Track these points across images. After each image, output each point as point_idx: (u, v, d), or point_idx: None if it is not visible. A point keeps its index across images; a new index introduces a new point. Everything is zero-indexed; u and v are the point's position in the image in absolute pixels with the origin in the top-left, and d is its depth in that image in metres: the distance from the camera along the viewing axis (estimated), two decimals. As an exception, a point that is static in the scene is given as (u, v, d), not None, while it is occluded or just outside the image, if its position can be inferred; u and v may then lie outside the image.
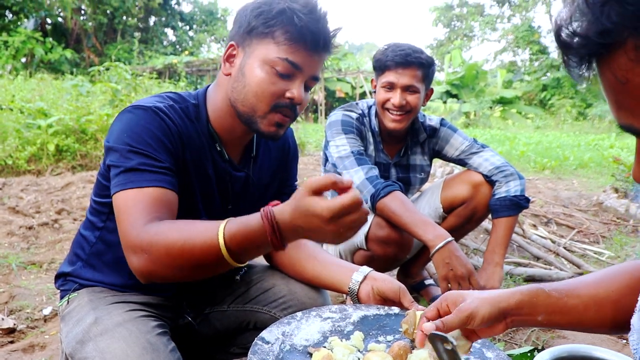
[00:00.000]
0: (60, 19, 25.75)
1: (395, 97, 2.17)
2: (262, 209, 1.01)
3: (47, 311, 2.39)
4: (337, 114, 2.30)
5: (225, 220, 1.05)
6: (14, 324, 2.23)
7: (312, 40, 1.23)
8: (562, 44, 0.59)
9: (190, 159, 1.30)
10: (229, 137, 1.38)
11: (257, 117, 1.27)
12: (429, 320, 1.02)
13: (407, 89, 2.17)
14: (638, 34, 0.50)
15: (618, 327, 1.05)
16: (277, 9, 1.21)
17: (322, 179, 0.95)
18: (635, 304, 1.00)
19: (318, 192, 0.95)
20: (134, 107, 1.24)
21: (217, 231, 1.02)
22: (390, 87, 2.18)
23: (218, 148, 1.37)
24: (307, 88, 1.30)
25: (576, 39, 0.56)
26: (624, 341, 2.16)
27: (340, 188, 0.95)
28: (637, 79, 0.53)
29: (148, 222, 1.09)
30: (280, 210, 0.99)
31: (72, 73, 15.46)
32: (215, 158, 1.36)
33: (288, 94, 1.25)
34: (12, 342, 2.13)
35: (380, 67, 2.22)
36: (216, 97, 1.35)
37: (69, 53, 22.48)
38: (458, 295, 1.01)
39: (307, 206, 0.94)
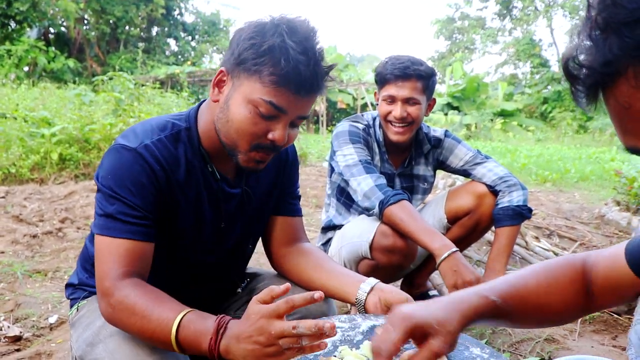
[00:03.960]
0: (63, 29, 25.89)
1: (397, 110, 2.20)
2: (216, 320, 1.07)
3: (53, 319, 2.40)
4: (344, 125, 2.33)
5: (183, 313, 1.10)
6: (20, 332, 2.24)
7: (299, 84, 1.17)
8: (570, 76, 0.64)
9: (179, 190, 1.30)
10: (220, 155, 1.35)
11: (237, 152, 1.26)
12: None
13: (408, 101, 2.20)
14: (636, 63, 0.56)
15: (551, 324, 1.11)
16: (268, 44, 1.15)
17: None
18: (570, 308, 1.02)
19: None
20: (122, 147, 1.24)
21: (173, 323, 1.08)
22: (391, 100, 2.22)
23: (210, 169, 1.36)
24: (294, 125, 1.28)
25: (583, 70, 0.61)
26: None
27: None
28: (638, 104, 0.58)
29: (120, 275, 1.17)
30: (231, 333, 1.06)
31: (74, 82, 15.50)
32: (207, 179, 1.36)
33: (270, 136, 1.22)
34: (18, 350, 2.14)
35: (381, 80, 2.26)
36: (206, 119, 1.34)
37: (71, 62, 22.60)
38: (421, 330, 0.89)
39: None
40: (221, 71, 1.26)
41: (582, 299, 1.02)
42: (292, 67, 1.14)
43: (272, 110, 1.19)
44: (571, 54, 0.63)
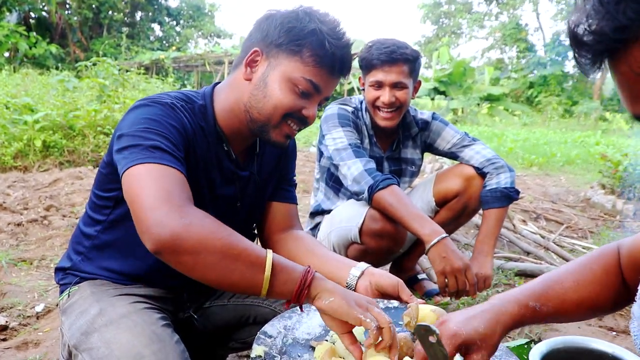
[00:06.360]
0: (44, 13, 25.40)
1: (385, 95, 2.18)
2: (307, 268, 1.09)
3: (39, 308, 2.37)
4: (332, 108, 2.30)
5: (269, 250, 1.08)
6: (6, 322, 2.21)
7: (337, 66, 1.31)
8: (578, 42, 0.63)
9: (200, 158, 1.32)
10: (235, 137, 1.40)
11: (270, 127, 1.32)
12: None
13: (396, 85, 2.18)
14: None
15: (594, 316, 1.12)
16: (308, 28, 1.27)
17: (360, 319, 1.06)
18: (610, 297, 1.03)
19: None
20: (151, 101, 1.25)
21: (267, 251, 1.06)
22: (379, 85, 2.20)
23: (225, 148, 1.38)
24: (319, 105, 1.37)
25: (592, 37, 0.60)
26: (614, 333, 2.20)
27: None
28: None
29: (187, 200, 1.05)
30: (323, 283, 1.09)
31: (57, 68, 15.25)
32: (221, 158, 1.38)
33: (304, 112, 1.31)
34: (4, 339, 2.11)
35: (367, 65, 2.23)
36: (227, 98, 1.36)
37: (53, 48, 22.19)
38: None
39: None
40: (255, 51, 1.32)
41: (622, 285, 1.02)
42: (333, 50, 1.28)
43: (310, 88, 1.29)
44: (579, 20, 0.61)
